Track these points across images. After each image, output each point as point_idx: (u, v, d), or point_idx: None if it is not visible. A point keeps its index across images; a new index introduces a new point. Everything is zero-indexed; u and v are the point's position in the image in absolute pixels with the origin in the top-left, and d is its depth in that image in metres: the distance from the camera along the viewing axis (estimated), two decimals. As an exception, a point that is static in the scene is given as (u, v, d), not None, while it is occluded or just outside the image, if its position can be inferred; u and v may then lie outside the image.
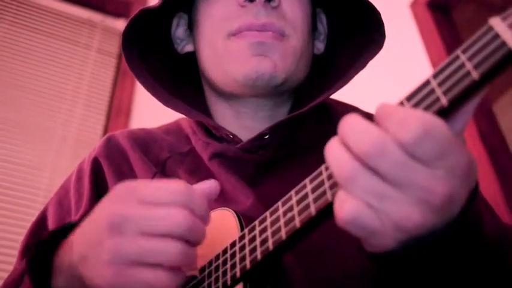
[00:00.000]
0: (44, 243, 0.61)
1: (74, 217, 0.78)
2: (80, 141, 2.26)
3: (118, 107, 2.37)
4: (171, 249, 0.47)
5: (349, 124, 0.40)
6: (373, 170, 0.39)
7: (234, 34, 0.74)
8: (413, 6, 2.19)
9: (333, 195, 0.43)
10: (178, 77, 0.87)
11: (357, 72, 0.77)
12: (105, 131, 2.33)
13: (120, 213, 0.48)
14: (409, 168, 0.38)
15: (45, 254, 0.60)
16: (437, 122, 0.38)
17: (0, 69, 2.26)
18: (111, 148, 0.82)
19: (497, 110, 1.94)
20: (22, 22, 2.43)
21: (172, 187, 0.50)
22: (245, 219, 0.60)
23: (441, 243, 0.42)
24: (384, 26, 0.78)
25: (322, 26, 0.87)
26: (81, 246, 0.52)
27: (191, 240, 0.50)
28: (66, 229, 0.60)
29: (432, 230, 0.40)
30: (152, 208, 0.48)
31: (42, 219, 0.82)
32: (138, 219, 0.48)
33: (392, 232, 0.40)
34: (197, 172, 0.77)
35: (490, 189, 1.61)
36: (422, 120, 0.37)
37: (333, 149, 0.41)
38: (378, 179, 0.39)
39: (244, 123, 0.80)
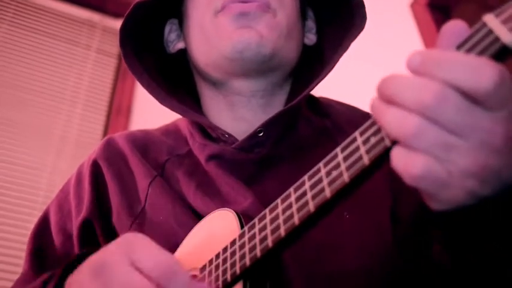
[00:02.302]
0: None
1: (74, 220, 0.79)
2: (79, 141, 2.27)
3: (118, 107, 2.37)
4: None
5: (393, 81, 0.39)
6: (434, 121, 0.38)
7: (220, 10, 0.75)
8: (413, 6, 2.19)
9: (332, 192, 0.44)
10: (173, 79, 0.87)
11: (340, 55, 0.78)
12: (105, 131, 2.33)
13: (107, 262, 0.49)
14: (470, 113, 0.37)
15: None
16: (505, 69, 0.37)
17: (0, 69, 2.27)
18: (111, 151, 0.83)
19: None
20: (22, 22, 2.44)
21: (161, 260, 0.47)
22: (245, 219, 0.61)
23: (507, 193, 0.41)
24: (364, 8, 0.79)
25: (312, 22, 0.88)
26: (73, 277, 0.55)
27: None
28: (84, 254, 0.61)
29: (498, 174, 0.39)
30: (131, 272, 0.47)
31: (44, 222, 0.83)
32: (114, 276, 0.47)
33: (461, 180, 0.39)
34: (195, 174, 0.77)
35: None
36: (497, 68, 0.36)
37: (383, 109, 0.40)
38: (441, 130, 0.38)
39: (238, 114, 0.80)
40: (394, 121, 0.39)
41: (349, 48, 0.79)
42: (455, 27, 0.41)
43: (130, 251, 0.48)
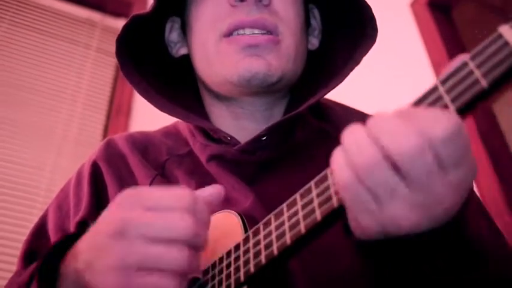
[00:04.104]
0: (50, 253, 0.61)
1: (72, 220, 0.78)
2: (80, 140, 2.26)
3: (118, 107, 2.36)
4: (175, 256, 0.47)
5: (384, 120, 0.39)
6: (396, 167, 0.38)
7: (226, 35, 0.74)
8: (414, 5, 2.19)
9: (339, 201, 0.43)
10: (175, 81, 0.87)
11: (351, 70, 0.77)
12: (105, 130, 2.32)
13: (125, 219, 0.48)
14: (432, 174, 0.38)
15: (52, 264, 0.60)
16: (463, 124, 0.37)
17: (0, 68, 2.26)
18: (111, 152, 0.83)
19: (498, 110, 1.93)
20: (22, 22, 2.43)
21: (175, 193, 0.50)
22: (246, 219, 0.61)
23: (421, 243, 0.43)
24: (375, 21, 0.78)
25: (316, 22, 0.87)
26: (86, 253, 0.53)
27: (195, 246, 0.49)
28: (72, 238, 0.60)
29: (420, 232, 0.41)
30: (156, 214, 0.48)
31: (42, 224, 0.83)
32: (142, 225, 0.48)
33: (384, 220, 0.41)
34: (196, 173, 0.77)
35: (490, 189, 1.61)
36: (455, 119, 0.37)
37: (358, 135, 0.41)
38: (393, 174, 0.38)
39: (241, 123, 0.80)
40: (359, 147, 0.40)
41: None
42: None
43: (142, 201, 0.49)
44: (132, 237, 0.47)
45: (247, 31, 0.73)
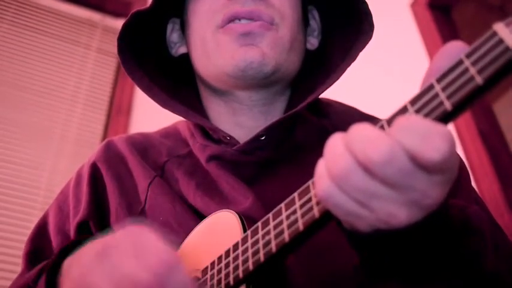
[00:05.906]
0: (55, 260, 0.62)
1: (72, 222, 0.79)
2: (80, 140, 2.26)
3: (118, 107, 2.37)
4: None
5: (359, 129, 0.40)
6: (372, 173, 0.39)
7: (222, 26, 0.75)
8: (414, 6, 2.19)
9: None
10: (175, 80, 0.87)
11: (348, 65, 0.78)
12: (105, 130, 2.33)
13: (112, 248, 0.48)
14: (411, 175, 0.38)
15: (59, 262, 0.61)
16: (453, 137, 0.37)
17: (0, 68, 2.26)
18: (110, 153, 0.83)
19: (497, 110, 1.93)
20: (22, 22, 2.43)
21: (163, 251, 0.47)
22: (246, 220, 0.61)
23: (413, 232, 0.43)
24: (371, 16, 0.78)
25: (316, 22, 0.88)
26: (74, 257, 0.54)
27: None
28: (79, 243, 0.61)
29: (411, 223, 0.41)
30: (134, 260, 0.46)
31: (43, 225, 0.83)
32: (116, 262, 0.46)
33: (374, 222, 0.41)
34: (195, 174, 0.77)
35: (490, 189, 1.61)
36: (448, 137, 0.37)
37: (335, 145, 0.41)
38: (370, 179, 0.39)
39: (239, 120, 0.81)
40: (335, 156, 0.40)
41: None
42: (454, 47, 0.42)
43: (137, 243, 0.48)
44: (104, 266, 0.47)
45: (243, 21, 0.74)
